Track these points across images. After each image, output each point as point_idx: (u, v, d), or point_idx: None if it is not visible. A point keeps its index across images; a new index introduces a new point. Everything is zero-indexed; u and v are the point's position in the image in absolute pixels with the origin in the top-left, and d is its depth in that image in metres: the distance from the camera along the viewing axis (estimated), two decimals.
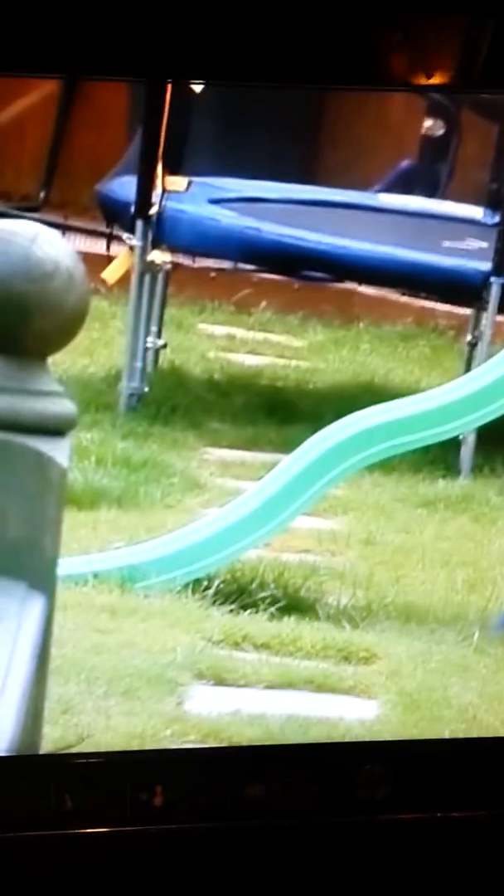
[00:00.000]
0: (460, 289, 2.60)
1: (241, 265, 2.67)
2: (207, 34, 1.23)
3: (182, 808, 1.37)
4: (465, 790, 1.42)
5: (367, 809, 1.40)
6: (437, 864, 1.42)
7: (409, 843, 1.42)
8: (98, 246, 2.55)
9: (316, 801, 1.39)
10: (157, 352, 2.57)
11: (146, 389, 2.51)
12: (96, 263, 2.43)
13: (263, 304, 2.79)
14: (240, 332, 2.78)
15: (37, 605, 1.58)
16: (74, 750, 1.63)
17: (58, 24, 1.20)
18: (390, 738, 1.80)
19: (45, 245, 1.58)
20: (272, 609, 2.07)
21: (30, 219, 1.69)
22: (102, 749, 1.64)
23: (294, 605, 2.09)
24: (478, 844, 1.43)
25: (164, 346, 2.57)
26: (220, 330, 2.78)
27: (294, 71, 1.27)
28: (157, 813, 1.37)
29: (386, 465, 2.33)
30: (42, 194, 2.65)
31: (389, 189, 2.77)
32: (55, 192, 2.63)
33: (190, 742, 1.75)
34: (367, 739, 1.80)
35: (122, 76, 1.35)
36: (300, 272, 2.68)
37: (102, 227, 2.57)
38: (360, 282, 2.71)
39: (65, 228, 2.45)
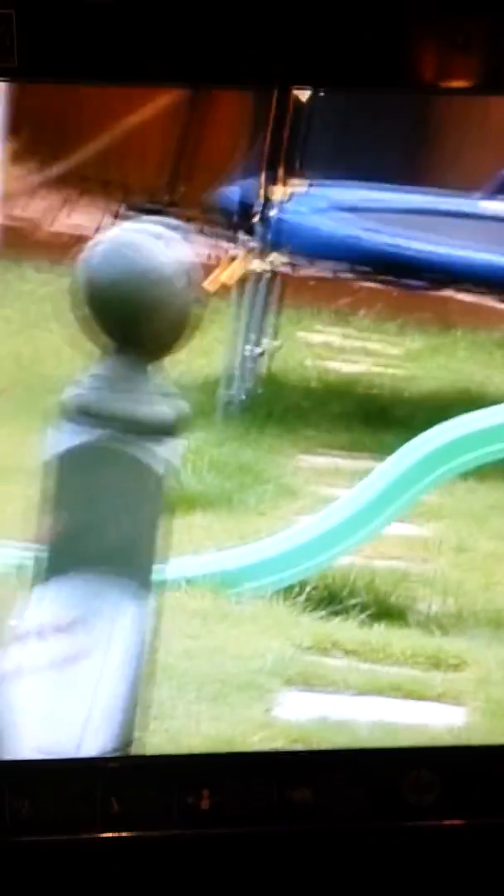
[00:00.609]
0: None
1: (341, 273, 2.69)
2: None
3: (228, 811, 1.38)
4: None
5: (414, 815, 1.40)
6: (483, 870, 1.43)
7: (455, 850, 1.42)
8: (216, 249, 2.58)
9: (363, 806, 1.40)
10: (256, 359, 2.61)
11: (244, 396, 2.56)
12: (211, 267, 2.48)
13: (362, 311, 2.82)
14: (338, 340, 2.81)
15: (132, 608, 1.62)
16: (121, 753, 1.65)
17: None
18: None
19: (166, 247, 1.62)
20: (362, 616, 2.11)
21: (153, 221, 1.74)
22: (149, 753, 1.64)
23: (384, 611, 2.13)
24: None
25: (263, 353, 2.62)
26: (318, 337, 2.81)
27: (404, 75, 1.27)
28: (203, 817, 1.37)
29: (480, 472, 2.34)
30: (166, 196, 2.69)
31: (490, 195, 2.77)
32: (178, 194, 2.67)
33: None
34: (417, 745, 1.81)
35: (248, 84, 1.36)
36: (400, 279, 2.70)
37: (221, 231, 2.60)
38: (461, 289, 2.72)
39: (186, 231, 2.49)
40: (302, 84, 1.40)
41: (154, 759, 1.55)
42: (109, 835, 1.37)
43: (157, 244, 1.62)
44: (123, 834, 1.37)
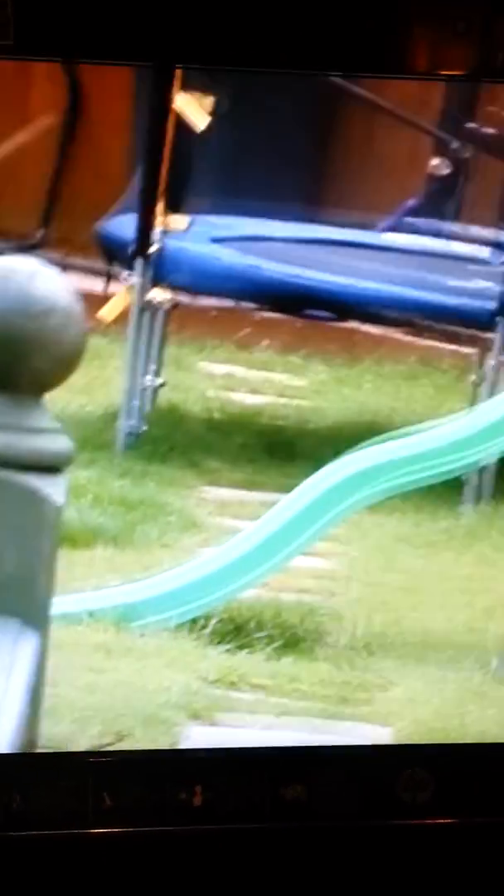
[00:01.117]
0: (466, 327, 2.64)
1: (243, 304, 2.71)
2: (214, 18, 1.25)
3: (221, 808, 1.40)
4: None
5: (409, 813, 1.42)
6: (478, 868, 1.45)
7: (449, 848, 1.44)
8: (96, 284, 2.59)
9: (356, 803, 1.42)
10: (155, 390, 2.61)
11: (144, 428, 2.55)
12: (95, 302, 2.47)
13: (265, 342, 2.82)
14: (240, 371, 2.81)
15: (30, 643, 1.62)
16: (113, 748, 1.68)
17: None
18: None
19: (43, 282, 1.63)
20: (269, 649, 2.10)
21: (28, 256, 1.74)
22: (141, 748, 1.68)
23: (292, 644, 2.12)
24: None
25: (163, 384, 2.62)
26: (220, 368, 2.81)
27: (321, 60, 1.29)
28: (196, 813, 1.39)
29: (387, 505, 2.36)
30: (41, 232, 2.69)
31: (394, 228, 2.80)
32: (54, 230, 2.67)
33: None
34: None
35: (127, 61, 1.35)
36: (303, 311, 2.72)
37: (101, 266, 2.61)
38: (364, 321, 2.74)
39: (64, 266, 2.49)
40: (187, 62, 1.39)
41: (147, 754, 1.62)
42: (101, 830, 1.38)
43: (38, 277, 1.62)
44: (115, 830, 1.38)
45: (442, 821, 1.43)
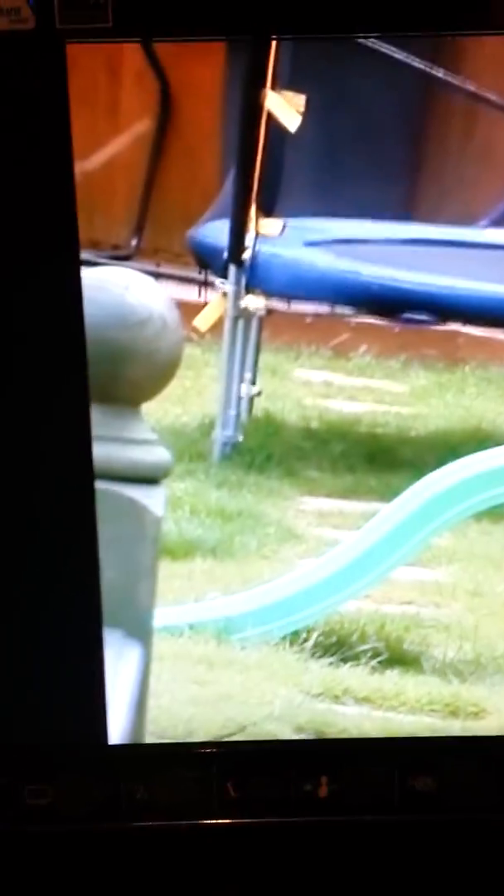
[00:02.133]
0: None
1: (339, 309, 2.72)
2: None
3: (348, 799, 1.40)
4: None
5: None
6: None
7: None
8: (191, 293, 2.63)
9: (488, 795, 1.41)
10: (251, 399, 2.65)
11: (240, 438, 2.60)
12: (190, 310, 2.52)
13: (363, 348, 2.86)
14: (338, 378, 2.84)
15: (133, 654, 1.66)
16: (236, 738, 1.70)
17: None
18: None
19: (139, 292, 1.66)
20: (374, 662, 2.13)
21: (120, 267, 1.78)
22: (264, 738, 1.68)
23: (397, 658, 2.15)
24: None
25: (259, 393, 2.66)
26: (316, 376, 2.84)
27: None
28: (322, 804, 1.39)
29: (494, 513, 2.37)
30: (134, 242, 2.74)
31: (496, 224, 2.81)
32: (147, 239, 2.71)
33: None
34: None
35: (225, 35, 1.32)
36: (402, 314, 2.73)
37: (195, 274, 2.65)
38: (466, 323, 2.75)
39: (157, 276, 2.53)
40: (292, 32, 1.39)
41: (271, 744, 1.60)
42: (225, 821, 1.40)
43: (133, 287, 1.67)
44: (239, 821, 1.40)
45: None
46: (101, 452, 1.63)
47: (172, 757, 1.42)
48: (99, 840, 1.42)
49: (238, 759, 1.41)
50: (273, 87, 2.51)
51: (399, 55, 2.62)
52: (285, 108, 2.51)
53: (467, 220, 2.79)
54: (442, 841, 1.42)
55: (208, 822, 1.40)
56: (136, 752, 1.45)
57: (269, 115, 2.52)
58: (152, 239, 2.70)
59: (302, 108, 2.51)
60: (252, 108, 2.51)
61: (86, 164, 2.60)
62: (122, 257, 2.67)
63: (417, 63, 2.73)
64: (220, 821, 1.40)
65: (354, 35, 1.26)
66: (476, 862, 1.44)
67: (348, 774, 1.40)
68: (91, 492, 1.35)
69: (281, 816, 1.40)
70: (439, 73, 2.76)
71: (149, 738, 1.68)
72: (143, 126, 2.66)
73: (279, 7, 1.24)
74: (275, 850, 1.43)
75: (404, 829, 1.41)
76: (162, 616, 1.81)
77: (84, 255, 2.67)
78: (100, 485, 1.62)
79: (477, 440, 2.54)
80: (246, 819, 1.40)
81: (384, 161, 2.77)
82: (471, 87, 2.78)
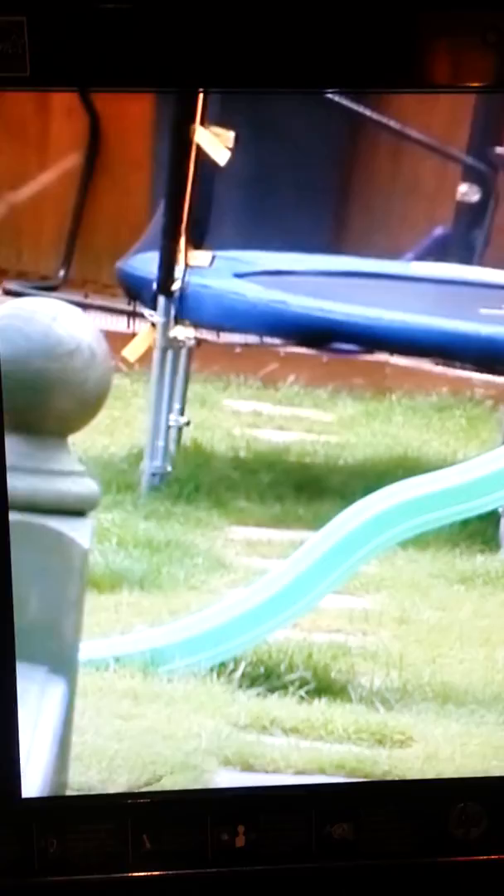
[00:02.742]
0: (498, 357, 2.64)
1: (268, 339, 2.71)
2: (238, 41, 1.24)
3: (266, 848, 1.37)
4: None
5: (461, 849, 1.40)
6: None
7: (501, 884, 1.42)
8: (119, 324, 2.61)
9: (406, 840, 1.39)
10: (179, 430, 2.62)
11: (169, 469, 2.56)
12: (118, 341, 2.49)
13: (291, 378, 2.84)
14: (266, 408, 2.82)
15: (58, 689, 1.62)
16: (151, 788, 1.66)
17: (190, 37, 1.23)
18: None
19: (66, 323, 1.64)
20: (301, 692, 2.10)
21: (48, 298, 1.75)
22: (180, 787, 1.65)
23: (324, 687, 2.12)
24: None
25: (188, 423, 2.63)
26: (245, 406, 2.82)
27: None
28: (239, 854, 1.37)
29: (420, 541, 2.36)
30: (62, 272, 2.71)
31: (422, 257, 2.81)
32: (75, 270, 2.69)
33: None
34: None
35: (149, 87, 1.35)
36: (330, 345, 2.72)
37: (123, 305, 2.63)
38: (393, 353, 2.74)
39: (85, 306, 2.51)
40: (212, 85, 1.39)
41: (187, 794, 1.59)
42: (141, 874, 1.36)
43: (52, 320, 1.63)
44: (156, 873, 1.36)
45: (496, 857, 1.40)
46: (27, 484, 1.61)
47: (87, 809, 1.38)
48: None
49: (154, 810, 1.38)
50: (202, 123, 2.50)
51: (328, 93, 2.62)
52: (214, 144, 2.50)
53: (394, 253, 2.78)
54: (360, 887, 1.40)
55: (124, 874, 1.36)
56: (50, 805, 1.41)
57: (199, 150, 2.50)
58: (80, 270, 2.67)
59: (231, 144, 2.50)
60: (181, 143, 2.50)
61: (14, 197, 2.57)
62: (49, 287, 2.65)
63: (345, 102, 2.73)
64: (136, 874, 1.36)
65: (274, 90, 1.26)
66: None
67: (265, 823, 1.37)
68: (3, 527, 1.31)
69: (198, 868, 1.37)
70: (366, 111, 2.75)
71: (73, 776, 1.64)
72: (72, 159, 2.64)
73: (194, 62, 1.23)
74: None
75: (322, 876, 1.39)
76: (87, 649, 1.76)
77: (11, 285, 2.65)
78: (25, 517, 1.60)
79: (403, 468, 2.52)
80: (162, 871, 1.36)
81: (313, 195, 2.76)
82: (396, 126, 2.78)
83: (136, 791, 1.57)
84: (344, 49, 1.23)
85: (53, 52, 1.21)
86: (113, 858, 1.35)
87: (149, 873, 1.36)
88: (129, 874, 1.36)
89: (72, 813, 1.37)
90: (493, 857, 1.40)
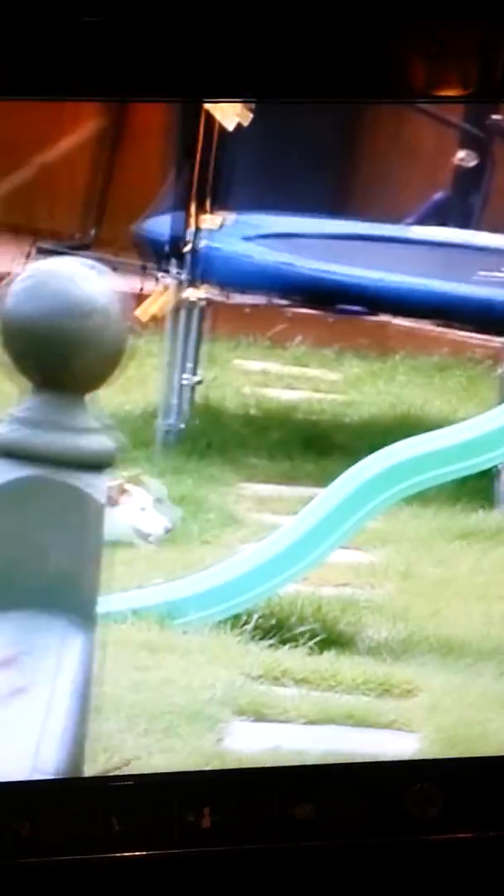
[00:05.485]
0: (496, 318, 2.60)
1: (276, 300, 2.68)
2: (241, 53, 1.24)
3: (230, 829, 1.37)
4: None
5: (418, 829, 1.40)
6: (489, 883, 1.42)
7: (461, 863, 1.41)
8: (147, 284, 2.56)
9: (365, 820, 1.39)
10: (192, 388, 2.58)
11: (182, 426, 2.52)
12: (140, 301, 2.46)
13: (298, 338, 2.79)
14: (275, 367, 2.78)
15: (77, 641, 1.58)
16: (121, 772, 1.63)
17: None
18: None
19: (83, 283, 1.59)
20: (311, 643, 2.07)
21: (79, 256, 1.71)
22: (148, 771, 1.64)
23: (333, 639, 2.09)
24: None
25: (200, 382, 2.59)
26: (255, 365, 2.78)
27: (326, 87, 1.28)
28: (205, 835, 1.37)
29: (423, 497, 2.32)
30: (92, 232, 2.67)
31: (422, 221, 2.77)
32: (103, 230, 2.65)
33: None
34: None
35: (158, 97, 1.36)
36: (335, 306, 2.68)
37: (150, 263, 2.58)
38: (395, 314, 2.71)
39: (115, 265, 2.47)
40: (215, 97, 1.40)
41: (154, 777, 1.55)
42: (111, 855, 1.36)
43: (78, 279, 1.59)
44: (125, 854, 1.36)
45: (452, 836, 1.41)
46: (46, 441, 1.59)
47: (57, 792, 1.37)
48: None
49: (122, 793, 1.38)
50: None
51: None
52: (225, 111, 2.45)
53: (396, 217, 2.74)
54: (322, 866, 1.39)
55: (93, 856, 1.36)
56: (20, 789, 1.38)
57: (209, 116, 2.45)
58: (110, 229, 2.63)
59: (240, 111, 2.45)
60: (193, 110, 2.43)
61: (47, 158, 2.53)
62: (80, 247, 2.60)
63: None
64: (104, 854, 1.36)
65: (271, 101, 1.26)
66: (356, 886, 1.41)
67: (230, 804, 1.37)
68: None
69: (166, 848, 1.36)
70: None
71: (92, 726, 1.60)
72: (101, 121, 2.59)
73: (166, 72, 1.24)
74: (159, 882, 1.38)
75: (285, 855, 1.38)
76: (105, 603, 1.72)
77: (45, 244, 2.61)
78: (44, 472, 1.57)
79: (407, 426, 2.49)
80: (131, 852, 1.36)
81: (318, 160, 2.72)
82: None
83: (106, 774, 1.55)
84: (336, 62, 1.25)
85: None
86: (83, 840, 1.35)
87: (118, 854, 1.36)
88: (99, 855, 1.36)
89: (42, 797, 1.36)
90: (448, 836, 1.40)
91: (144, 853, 1.36)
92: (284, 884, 1.39)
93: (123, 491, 2.28)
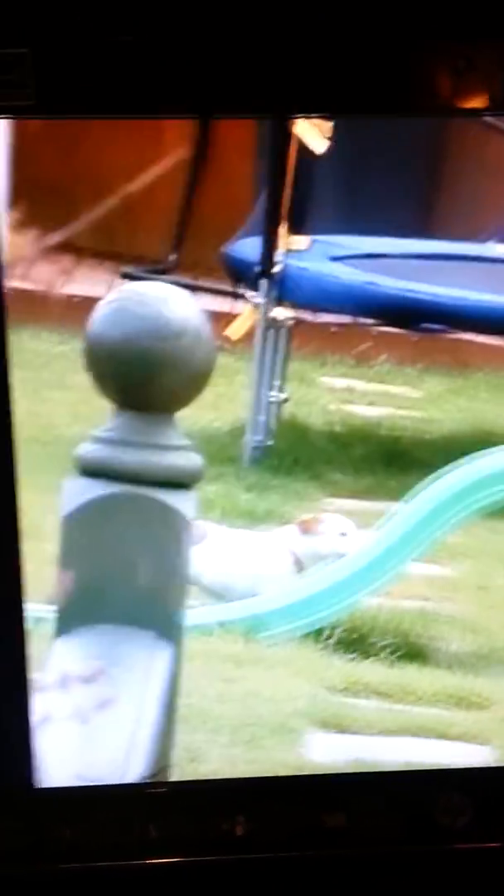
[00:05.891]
0: None
1: (361, 319, 2.69)
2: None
3: (263, 837, 1.37)
4: None
5: (448, 838, 1.39)
6: None
7: (490, 873, 1.41)
8: (224, 305, 2.59)
9: (396, 829, 1.38)
10: (279, 405, 2.60)
11: (269, 442, 2.55)
12: (223, 321, 2.49)
13: (383, 356, 2.81)
14: (359, 385, 2.80)
15: (164, 654, 1.62)
16: (156, 779, 1.64)
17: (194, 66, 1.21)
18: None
19: (175, 306, 1.64)
20: (392, 657, 2.09)
21: (162, 280, 1.74)
22: (184, 778, 1.64)
23: (413, 652, 2.11)
24: None
25: (287, 399, 2.61)
26: (340, 382, 2.80)
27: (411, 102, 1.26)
28: (238, 843, 1.37)
29: (501, 512, 2.31)
30: (173, 257, 2.71)
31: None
32: (185, 254, 2.69)
33: None
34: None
35: (262, 112, 1.35)
36: (418, 324, 2.69)
37: (229, 287, 2.62)
38: (478, 332, 2.71)
39: (194, 288, 2.50)
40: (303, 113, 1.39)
41: (188, 784, 1.55)
42: (148, 861, 1.36)
43: (162, 303, 1.63)
44: (161, 860, 1.36)
45: (481, 845, 1.40)
46: (136, 458, 1.62)
47: (95, 799, 1.38)
48: (23, 884, 1.38)
49: (159, 801, 1.38)
50: None
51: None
52: (313, 134, 2.47)
53: (479, 236, 2.74)
54: (352, 874, 1.39)
55: (130, 862, 1.36)
56: (60, 795, 1.40)
57: (299, 140, 2.47)
58: (190, 254, 2.67)
59: (329, 134, 2.48)
60: (282, 133, 2.47)
61: (131, 186, 2.57)
62: (161, 271, 2.64)
63: None
64: (141, 861, 1.36)
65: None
66: (385, 893, 1.41)
67: (263, 813, 1.37)
68: (13, 528, 1.30)
69: (200, 855, 1.36)
70: None
71: (178, 736, 1.64)
72: (183, 150, 2.63)
73: (196, 90, 1.21)
74: (194, 888, 1.39)
75: (317, 863, 1.38)
76: (192, 616, 1.77)
77: (128, 269, 2.65)
78: (134, 489, 1.61)
79: (487, 442, 2.49)
80: (167, 859, 1.36)
81: (404, 182, 2.73)
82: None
83: (143, 782, 1.55)
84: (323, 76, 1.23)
85: (59, 82, 1.20)
86: (120, 847, 1.36)
87: (154, 861, 1.36)
88: (136, 861, 1.36)
89: (81, 803, 1.37)
90: (477, 845, 1.39)
91: (179, 860, 1.36)
92: (316, 891, 1.40)
93: (317, 521, 2.32)
